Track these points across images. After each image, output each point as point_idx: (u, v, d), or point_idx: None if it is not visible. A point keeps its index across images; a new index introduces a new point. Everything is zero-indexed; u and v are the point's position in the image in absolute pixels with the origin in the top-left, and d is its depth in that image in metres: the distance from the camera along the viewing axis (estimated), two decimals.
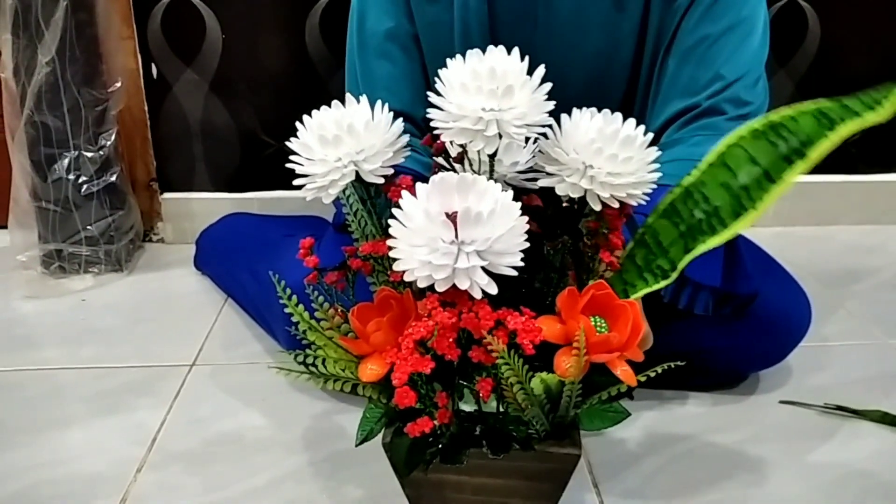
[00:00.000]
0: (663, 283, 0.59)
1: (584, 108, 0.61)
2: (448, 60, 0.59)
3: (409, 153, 0.63)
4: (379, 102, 0.62)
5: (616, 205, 0.60)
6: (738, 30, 0.86)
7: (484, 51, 0.59)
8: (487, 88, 0.56)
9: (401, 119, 0.63)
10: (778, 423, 0.89)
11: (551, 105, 0.58)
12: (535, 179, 0.65)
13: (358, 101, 0.62)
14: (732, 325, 0.87)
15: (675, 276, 0.59)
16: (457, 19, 0.89)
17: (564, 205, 0.63)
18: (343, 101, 0.63)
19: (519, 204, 0.54)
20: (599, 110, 0.61)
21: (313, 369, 0.61)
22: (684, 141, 0.85)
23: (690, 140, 0.84)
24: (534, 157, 0.65)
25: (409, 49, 0.92)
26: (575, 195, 0.60)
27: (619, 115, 0.60)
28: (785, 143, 0.57)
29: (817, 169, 1.61)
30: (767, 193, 0.56)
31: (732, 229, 0.57)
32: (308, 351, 0.63)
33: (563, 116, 0.61)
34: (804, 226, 1.47)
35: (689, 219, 0.59)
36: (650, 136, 0.60)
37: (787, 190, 0.56)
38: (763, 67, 0.88)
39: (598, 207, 0.60)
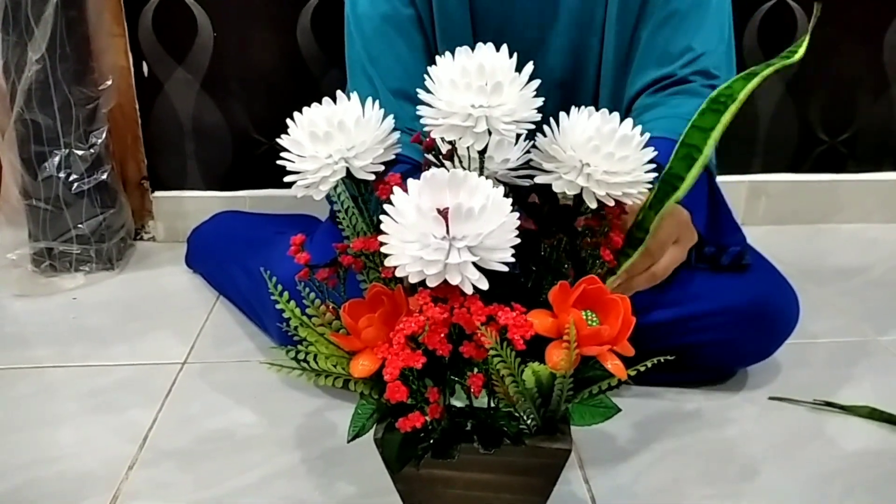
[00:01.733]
0: (640, 249, 0.64)
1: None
2: (438, 58, 0.59)
3: (399, 149, 0.63)
4: (369, 100, 0.62)
5: (612, 203, 0.60)
6: (703, 4, 0.91)
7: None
8: (476, 85, 0.57)
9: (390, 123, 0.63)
10: (768, 420, 0.90)
11: (540, 101, 0.59)
12: (527, 177, 0.65)
13: (362, 88, 0.62)
14: (721, 320, 0.88)
15: (648, 238, 0.64)
16: None
17: (563, 203, 0.64)
18: (334, 99, 0.63)
19: (510, 200, 0.54)
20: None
21: (305, 365, 0.61)
22: (664, 103, 0.89)
23: (670, 102, 0.89)
24: (525, 153, 0.66)
25: (405, 31, 0.92)
26: (571, 192, 0.60)
27: (616, 115, 0.61)
28: (724, 106, 0.61)
29: (807, 168, 1.61)
30: (710, 140, 0.61)
31: (688, 180, 0.61)
32: (300, 347, 0.63)
33: (562, 114, 0.61)
34: (794, 224, 1.48)
35: (664, 199, 0.63)
36: (647, 136, 0.61)
37: (722, 130, 0.61)
38: (728, 38, 0.94)
39: (594, 205, 0.60)
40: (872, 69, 1.40)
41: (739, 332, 0.89)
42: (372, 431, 0.63)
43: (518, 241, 0.54)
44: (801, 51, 0.62)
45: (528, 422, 0.61)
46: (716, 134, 0.60)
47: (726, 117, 0.60)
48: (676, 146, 0.63)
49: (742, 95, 0.60)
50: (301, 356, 0.62)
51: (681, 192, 0.62)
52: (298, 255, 0.64)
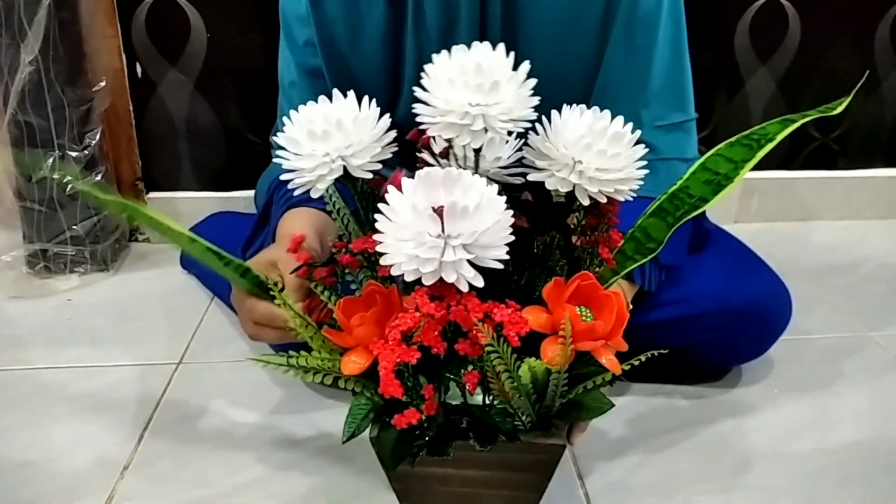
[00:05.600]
0: (651, 256, 0.64)
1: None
2: (434, 56, 0.60)
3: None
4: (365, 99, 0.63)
5: (604, 200, 0.61)
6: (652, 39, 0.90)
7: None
8: (474, 83, 0.57)
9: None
10: (761, 415, 0.91)
11: (536, 100, 0.59)
12: (519, 175, 0.65)
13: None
14: (716, 321, 0.88)
15: (660, 249, 0.64)
16: None
17: (556, 200, 0.64)
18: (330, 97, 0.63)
19: (504, 198, 0.55)
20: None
21: (294, 362, 0.61)
22: None
23: None
24: (517, 152, 0.66)
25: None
26: (564, 189, 0.61)
27: (608, 113, 0.61)
28: (757, 143, 0.62)
29: (799, 165, 1.62)
30: (743, 170, 0.62)
31: (714, 201, 0.62)
32: (292, 353, 0.63)
33: (553, 113, 0.62)
34: (786, 221, 1.48)
35: (676, 213, 0.63)
36: (638, 133, 0.61)
37: (755, 163, 0.63)
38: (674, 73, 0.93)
39: (586, 202, 0.61)
40: (863, 65, 1.40)
41: (734, 332, 0.89)
42: (367, 431, 0.63)
43: (512, 238, 0.54)
44: (842, 107, 0.64)
45: (523, 418, 0.62)
46: (749, 166, 0.62)
47: (760, 154, 0.62)
48: (693, 168, 0.64)
49: (777, 138, 0.62)
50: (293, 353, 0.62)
51: (698, 212, 0.63)
52: (298, 254, 0.64)
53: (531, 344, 0.56)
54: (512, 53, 0.59)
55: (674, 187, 0.65)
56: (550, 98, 0.62)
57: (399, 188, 0.55)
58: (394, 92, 0.93)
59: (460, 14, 0.85)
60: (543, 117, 0.62)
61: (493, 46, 0.59)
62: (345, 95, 0.63)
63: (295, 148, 0.61)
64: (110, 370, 1.01)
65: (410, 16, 0.87)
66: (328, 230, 0.79)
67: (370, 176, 0.62)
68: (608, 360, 0.55)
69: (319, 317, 0.65)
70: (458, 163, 0.63)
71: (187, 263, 1.29)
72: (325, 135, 0.60)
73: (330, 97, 0.63)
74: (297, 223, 0.82)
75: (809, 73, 1.40)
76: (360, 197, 0.66)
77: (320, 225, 0.79)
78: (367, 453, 0.63)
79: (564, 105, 0.62)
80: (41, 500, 0.78)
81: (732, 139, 0.64)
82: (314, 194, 0.62)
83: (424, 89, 0.59)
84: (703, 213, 0.95)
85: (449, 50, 0.60)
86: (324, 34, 0.91)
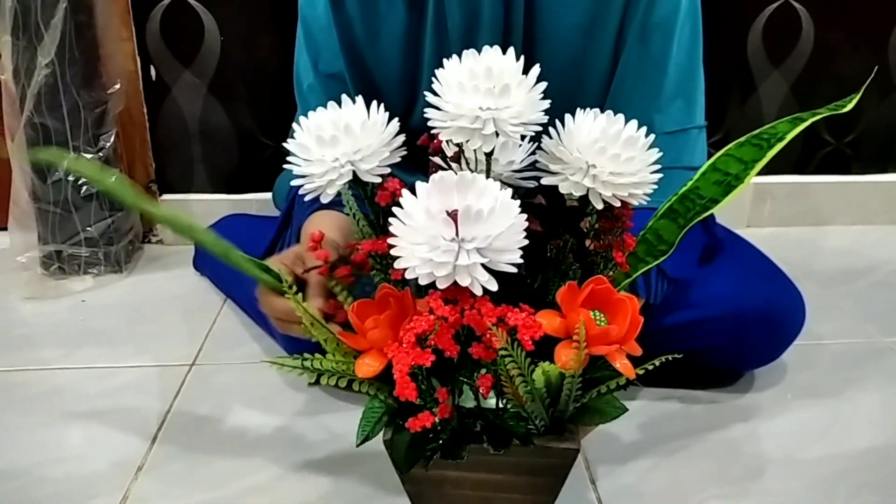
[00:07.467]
0: (663, 258, 0.63)
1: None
2: (446, 61, 0.60)
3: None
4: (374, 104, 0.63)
5: (618, 204, 0.61)
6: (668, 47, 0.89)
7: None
8: (484, 87, 0.57)
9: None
10: (773, 420, 0.90)
11: (546, 104, 0.59)
12: (532, 178, 0.66)
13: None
14: (728, 325, 0.88)
15: (672, 251, 0.63)
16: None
17: (569, 204, 0.64)
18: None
19: (518, 202, 0.55)
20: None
21: (308, 364, 0.61)
22: None
23: None
24: (530, 155, 0.66)
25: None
26: (577, 193, 0.61)
27: (621, 116, 0.61)
28: (767, 143, 0.62)
29: (812, 170, 1.61)
30: (753, 170, 0.62)
31: (724, 202, 0.62)
32: (306, 354, 0.63)
33: (567, 117, 0.62)
34: (799, 226, 1.48)
35: (687, 214, 0.63)
36: (652, 137, 0.61)
37: (765, 162, 0.62)
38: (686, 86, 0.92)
39: (600, 206, 0.61)
40: (878, 70, 1.40)
41: (747, 336, 0.89)
42: (380, 434, 0.63)
43: (526, 242, 0.55)
44: (851, 104, 0.63)
45: (537, 422, 0.62)
46: (759, 166, 0.61)
47: (770, 153, 0.61)
48: (704, 169, 0.64)
49: (787, 137, 0.62)
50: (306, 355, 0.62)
51: (709, 213, 0.63)
52: (317, 253, 0.65)
53: (545, 348, 0.56)
54: (522, 57, 0.59)
55: (684, 188, 0.65)
56: (568, 104, 0.62)
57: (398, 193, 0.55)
58: (411, 96, 0.93)
59: (482, 21, 0.85)
60: (557, 121, 0.62)
61: (515, 54, 0.59)
62: (364, 98, 0.63)
63: (305, 153, 0.61)
64: (124, 371, 1.01)
65: (430, 22, 0.87)
66: (353, 232, 0.79)
67: (379, 180, 0.62)
68: (622, 364, 0.55)
69: (342, 319, 0.66)
70: (469, 167, 0.64)
71: (200, 265, 1.29)
72: (334, 140, 0.60)
73: (347, 101, 0.63)
74: (322, 225, 0.82)
75: (823, 77, 1.39)
76: (370, 201, 0.66)
77: (346, 227, 0.80)
78: (381, 456, 0.63)
79: (579, 109, 0.62)
80: (55, 501, 0.78)
81: (742, 139, 0.64)
82: (324, 199, 0.62)
83: (436, 94, 0.59)
84: (715, 221, 0.96)
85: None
86: (343, 35, 0.91)
